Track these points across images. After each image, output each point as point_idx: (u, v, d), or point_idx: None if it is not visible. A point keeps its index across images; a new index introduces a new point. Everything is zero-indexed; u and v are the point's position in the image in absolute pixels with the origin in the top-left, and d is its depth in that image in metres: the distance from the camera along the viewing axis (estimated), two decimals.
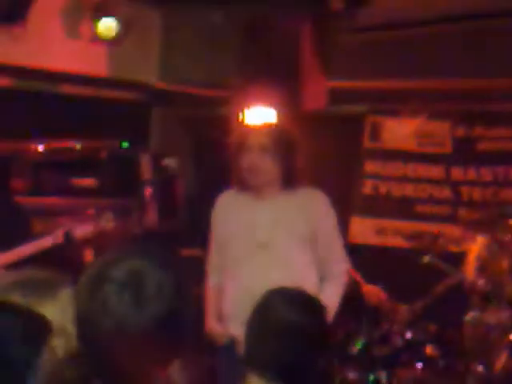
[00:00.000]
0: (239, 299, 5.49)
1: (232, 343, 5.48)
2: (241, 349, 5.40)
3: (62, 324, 2.99)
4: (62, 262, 4.47)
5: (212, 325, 5.58)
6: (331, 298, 5.44)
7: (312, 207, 5.52)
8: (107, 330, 2.60)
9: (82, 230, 6.19)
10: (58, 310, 3.02)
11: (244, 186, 5.56)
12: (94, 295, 2.63)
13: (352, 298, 6.36)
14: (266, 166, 5.45)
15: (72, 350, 2.97)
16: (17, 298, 2.97)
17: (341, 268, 5.61)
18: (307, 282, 5.38)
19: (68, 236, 6.01)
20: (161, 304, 2.61)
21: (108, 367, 2.65)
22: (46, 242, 5.95)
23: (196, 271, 5.87)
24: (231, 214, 5.64)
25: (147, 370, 2.67)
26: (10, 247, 5.84)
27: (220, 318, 5.62)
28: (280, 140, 5.50)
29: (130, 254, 2.71)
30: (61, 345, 2.94)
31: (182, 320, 2.70)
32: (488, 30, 8.43)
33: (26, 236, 6.06)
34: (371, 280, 7.36)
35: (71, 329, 3.00)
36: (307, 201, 5.53)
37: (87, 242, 7.01)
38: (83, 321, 2.68)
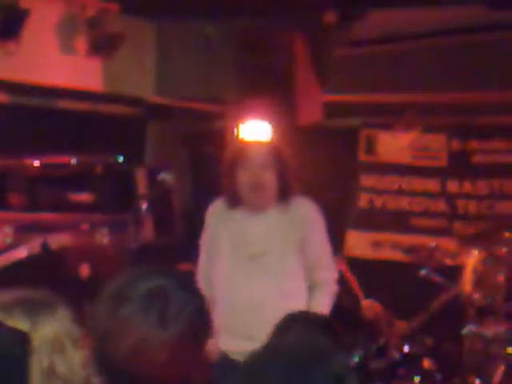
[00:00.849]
0: (231, 313, 5.52)
1: (224, 358, 5.50)
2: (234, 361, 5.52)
3: (62, 341, 3.08)
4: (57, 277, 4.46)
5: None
6: (321, 307, 5.41)
7: (302, 215, 5.51)
8: (129, 347, 2.61)
9: (58, 240, 6.17)
10: (58, 328, 3.09)
11: (237, 201, 5.52)
12: (115, 314, 2.63)
13: (349, 311, 6.35)
14: (270, 182, 5.44)
15: (72, 367, 3.05)
16: (19, 318, 3.03)
17: (329, 276, 5.56)
18: (298, 291, 5.46)
19: (45, 246, 5.98)
20: (184, 322, 2.62)
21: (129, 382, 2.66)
22: (22, 252, 5.94)
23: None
24: (223, 225, 5.62)
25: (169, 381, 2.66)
26: None
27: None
28: (278, 157, 5.49)
29: (148, 274, 2.72)
30: (61, 361, 3.03)
31: (201, 336, 2.71)
32: (480, 44, 8.46)
33: None
34: (368, 293, 7.34)
35: (70, 346, 3.09)
36: (297, 210, 5.51)
37: (82, 258, 7.04)
38: (103, 339, 2.68)
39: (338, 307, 5.74)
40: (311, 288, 5.50)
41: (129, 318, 2.63)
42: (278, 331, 3.86)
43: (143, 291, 2.66)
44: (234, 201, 5.53)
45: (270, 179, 5.42)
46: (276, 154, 5.49)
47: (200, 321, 2.72)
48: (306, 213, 5.54)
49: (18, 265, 5.79)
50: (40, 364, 3.02)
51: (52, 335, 3.08)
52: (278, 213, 5.49)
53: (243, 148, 5.73)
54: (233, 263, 5.54)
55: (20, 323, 3.02)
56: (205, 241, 5.70)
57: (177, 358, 2.65)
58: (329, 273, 5.57)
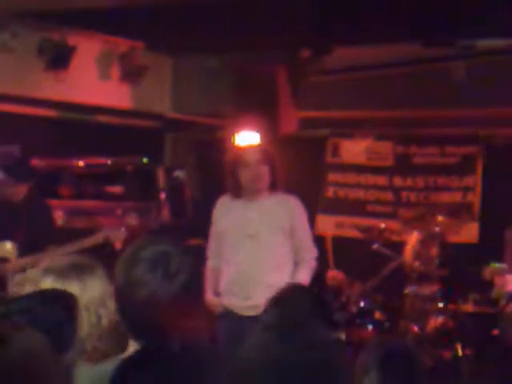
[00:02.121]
0: (234, 279, 5.49)
1: (226, 312, 5.49)
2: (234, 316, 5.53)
3: (104, 298, 3.06)
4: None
5: (210, 298, 5.52)
6: (303, 278, 5.41)
7: (290, 208, 5.50)
8: (142, 299, 2.58)
9: (116, 236, 6.14)
10: (100, 288, 3.08)
11: (239, 193, 5.53)
12: (130, 272, 2.61)
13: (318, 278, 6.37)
14: (265, 174, 5.45)
15: (112, 319, 3.02)
16: (72, 281, 3.04)
17: (310, 255, 5.55)
18: (286, 265, 5.45)
19: (106, 239, 5.97)
20: (184, 276, 2.60)
21: (143, 327, 2.64)
22: (89, 242, 5.88)
23: (199, 256, 5.88)
24: (227, 213, 5.61)
25: (176, 324, 2.63)
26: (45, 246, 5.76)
27: (216, 293, 5.62)
28: (269, 157, 5.50)
29: (153, 242, 2.68)
30: (105, 315, 3.01)
31: (197, 287, 2.73)
32: (418, 72, 8.47)
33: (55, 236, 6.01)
34: (333, 262, 7.37)
35: (109, 302, 3.04)
36: (286, 203, 5.51)
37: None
38: (121, 293, 2.67)
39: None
40: (297, 263, 5.49)
41: (140, 276, 2.60)
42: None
43: (150, 255, 2.62)
44: (237, 193, 5.54)
45: (265, 172, 5.43)
46: (267, 154, 5.51)
47: (196, 276, 2.72)
48: (294, 206, 5.55)
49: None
50: (89, 319, 2.98)
51: (97, 294, 3.05)
52: (270, 203, 5.49)
53: (242, 152, 5.78)
54: (235, 241, 5.51)
55: (73, 286, 3.00)
56: (214, 226, 5.68)
57: (181, 305, 2.62)
58: (310, 253, 5.57)
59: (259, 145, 6.49)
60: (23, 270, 5.52)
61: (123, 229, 6.27)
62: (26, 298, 2.82)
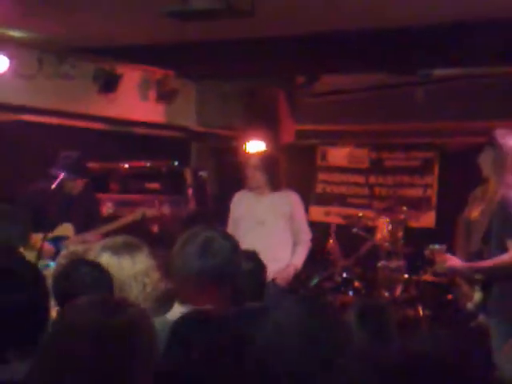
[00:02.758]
0: None
1: None
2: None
3: (148, 270, 3.08)
4: (140, 232, 4.48)
5: None
6: (301, 256, 5.51)
7: (290, 201, 5.56)
8: (187, 271, 2.64)
9: (150, 212, 6.20)
10: (146, 262, 3.11)
11: (250, 189, 5.62)
12: (181, 252, 2.65)
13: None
14: (257, 177, 5.53)
15: (155, 285, 3.05)
16: (125, 256, 3.06)
17: (306, 237, 5.59)
18: (287, 246, 5.50)
19: (143, 215, 6.02)
20: (222, 256, 2.63)
21: (190, 294, 2.66)
22: (130, 218, 5.96)
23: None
24: (242, 204, 5.66)
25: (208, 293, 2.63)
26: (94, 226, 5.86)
27: None
28: (265, 161, 5.56)
29: (203, 229, 2.70)
30: (148, 282, 3.05)
31: (234, 271, 2.71)
32: (390, 95, 8.44)
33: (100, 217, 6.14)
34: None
35: (152, 272, 3.07)
36: (287, 197, 5.56)
37: (154, 220, 7.03)
38: (174, 264, 2.69)
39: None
40: (295, 244, 5.53)
41: (188, 253, 2.62)
42: None
43: (201, 238, 2.63)
44: (248, 188, 5.63)
45: (258, 175, 5.50)
46: (264, 159, 5.59)
47: (233, 256, 2.71)
48: (293, 199, 5.60)
49: (125, 226, 5.79)
50: (136, 287, 2.99)
51: (144, 267, 3.07)
52: (274, 196, 5.54)
53: (247, 157, 5.85)
54: (247, 226, 5.55)
55: (125, 260, 3.03)
56: (231, 214, 5.73)
57: (209, 280, 2.62)
58: (306, 235, 5.61)
59: (263, 152, 6.46)
60: (79, 243, 5.61)
61: (154, 209, 6.35)
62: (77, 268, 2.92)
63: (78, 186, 5.88)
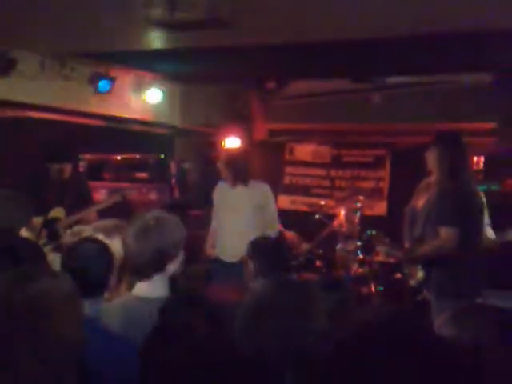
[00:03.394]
0: (221, 238, 5.57)
1: (217, 259, 5.55)
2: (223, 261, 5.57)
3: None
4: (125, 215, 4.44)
5: (209, 249, 5.62)
6: None
7: (262, 191, 5.56)
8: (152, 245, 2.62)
9: (129, 193, 6.10)
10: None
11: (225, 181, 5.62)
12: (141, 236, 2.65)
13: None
14: (224, 171, 5.53)
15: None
16: (116, 237, 2.99)
17: (276, 224, 5.65)
18: (257, 231, 5.34)
19: (123, 196, 5.92)
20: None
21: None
22: (112, 199, 5.84)
23: (198, 222, 5.88)
24: (219, 194, 5.66)
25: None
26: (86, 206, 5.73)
27: (212, 246, 5.66)
28: (230, 158, 5.56)
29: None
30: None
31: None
32: (349, 99, 8.48)
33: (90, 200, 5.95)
34: (289, 228, 7.35)
35: None
36: (260, 187, 5.57)
37: (141, 205, 6.96)
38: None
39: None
40: (267, 229, 5.46)
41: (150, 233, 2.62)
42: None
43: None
44: (225, 181, 5.62)
45: (224, 170, 5.52)
46: (229, 156, 5.59)
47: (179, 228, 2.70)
48: (265, 190, 5.60)
49: (111, 207, 5.72)
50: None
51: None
52: (248, 187, 5.53)
53: (219, 154, 5.84)
54: (224, 213, 5.57)
55: (116, 241, 2.95)
56: (214, 201, 5.73)
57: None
58: (276, 221, 5.66)
59: (230, 150, 6.34)
60: (70, 224, 5.54)
61: (134, 191, 6.27)
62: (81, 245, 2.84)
63: (66, 170, 5.76)
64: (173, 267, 2.69)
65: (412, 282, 4.32)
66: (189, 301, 2.05)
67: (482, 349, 1.43)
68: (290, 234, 7.51)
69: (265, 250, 3.68)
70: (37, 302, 1.58)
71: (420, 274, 4.25)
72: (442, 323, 1.64)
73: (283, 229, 7.26)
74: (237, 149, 6.79)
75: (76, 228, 3.71)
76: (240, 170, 5.50)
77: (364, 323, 1.37)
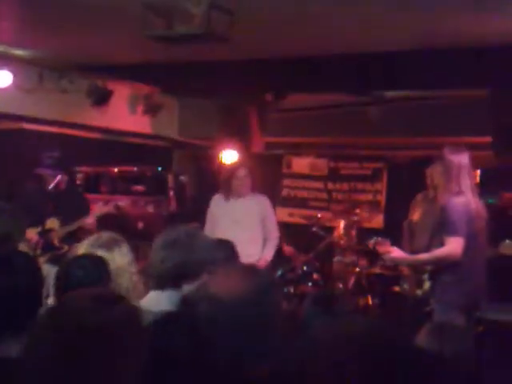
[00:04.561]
0: None
1: None
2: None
3: (131, 260, 2.99)
4: (122, 229, 4.42)
5: None
6: (271, 251, 5.60)
7: (262, 204, 5.63)
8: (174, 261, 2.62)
9: (122, 204, 6.08)
10: (128, 252, 3.00)
11: (229, 194, 5.62)
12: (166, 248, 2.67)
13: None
14: (248, 184, 5.58)
15: (132, 284, 2.89)
16: (117, 252, 2.95)
17: (275, 235, 5.69)
18: (258, 243, 5.57)
19: (116, 207, 5.90)
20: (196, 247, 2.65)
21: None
22: (105, 209, 5.79)
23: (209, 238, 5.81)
24: (219, 206, 5.67)
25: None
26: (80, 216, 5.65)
27: None
28: (251, 171, 5.64)
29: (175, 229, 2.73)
30: (134, 271, 2.92)
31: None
32: (347, 112, 8.51)
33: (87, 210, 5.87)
34: (286, 240, 7.33)
35: (131, 269, 2.94)
36: (260, 201, 5.64)
37: (139, 218, 6.94)
38: (155, 259, 2.68)
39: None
40: (265, 240, 5.62)
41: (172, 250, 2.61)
42: None
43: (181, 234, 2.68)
44: (227, 195, 5.63)
45: (248, 183, 5.56)
46: (250, 170, 5.64)
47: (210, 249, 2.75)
48: (267, 203, 5.68)
49: (103, 216, 5.66)
50: (127, 278, 2.88)
51: (130, 259, 2.96)
52: (249, 200, 5.59)
53: (234, 168, 5.83)
54: (224, 225, 5.57)
55: (116, 254, 2.92)
56: (208, 216, 5.74)
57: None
58: (275, 233, 5.70)
59: (244, 163, 6.33)
60: (64, 234, 5.52)
61: (126, 200, 6.25)
62: (80, 259, 2.85)
63: (62, 182, 5.76)
64: (190, 288, 2.57)
65: (418, 292, 4.36)
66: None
67: (457, 361, 1.44)
68: (288, 248, 7.50)
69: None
70: (111, 328, 1.49)
71: (427, 284, 4.29)
72: (422, 336, 1.65)
73: (283, 242, 7.26)
74: (245, 160, 6.82)
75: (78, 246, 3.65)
76: (255, 181, 5.62)
77: (336, 335, 1.36)
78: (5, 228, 3.65)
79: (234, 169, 5.75)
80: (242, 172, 5.60)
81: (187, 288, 2.58)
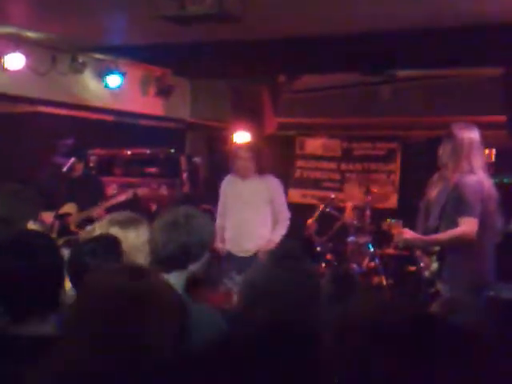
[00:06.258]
0: (233, 232, 5.54)
1: (228, 254, 5.52)
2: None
3: (143, 244, 2.93)
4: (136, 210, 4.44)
5: (218, 244, 5.57)
6: (280, 233, 5.47)
7: (272, 184, 5.53)
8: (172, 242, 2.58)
9: (141, 191, 6.12)
10: (146, 232, 2.95)
11: (237, 175, 5.59)
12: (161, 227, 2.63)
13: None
14: (250, 166, 5.48)
15: (146, 265, 2.82)
16: (131, 230, 2.92)
17: (285, 217, 5.57)
18: (267, 224, 5.48)
19: (134, 194, 5.94)
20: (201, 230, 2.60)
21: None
22: (124, 196, 5.83)
23: (209, 215, 5.85)
24: (230, 187, 5.62)
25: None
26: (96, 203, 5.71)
27: (222, 241, 5.63)
28: (255, 152, 5.51)
29: (178, 208, 2.67)
30: (141, 257, 2.88)
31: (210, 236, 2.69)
32: (360, 93, 8.46)
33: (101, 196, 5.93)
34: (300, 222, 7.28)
35: (146, 248, 2.89)
36: (269, 181, 5.53)
37: (153, 200, 6.96)
38: (156, 241, 2.65)
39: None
40: (276, 222, 5.52)
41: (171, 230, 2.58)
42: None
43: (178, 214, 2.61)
44: (235, 174, 5.58)
45: (250, 165, 5.46)
46: (254, 151, 5.51)
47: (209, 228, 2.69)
48: (275, 184, 5.57)
49: (121, 203, 5.71)
50: (141, 257, 2.84)
51: (146, 239, 2.88)
52: (258, 181, 5.50)
53: (237, 148, 5.77)
54: (235, 206, 5.54)
55: (130, 233, 2.91)
56: (221, 197, 5.70)
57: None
58: (285, 215, 5.58)
59: (251, 143, 6.29)
60: (81, 220, 5.56)
61: (145, 188, 6.29)
62: (91, 242, 2.84)
63: (78, 168, 5.81)
64: (195, 267, 2.60)
65: (426, 273, 4.31)
66: None
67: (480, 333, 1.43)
68: (312, 224, 7.42)
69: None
70: (148, 298, 1.51)
71: (434, 265, 4.23)
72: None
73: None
74: (254, 141, 6.76)
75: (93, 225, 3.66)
76: (261, 162, 5.50)
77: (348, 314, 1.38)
78: (17, 209, 3.65)
79: (237, 149, 5.71)
80: (244, 152, 5.52)
81: (193, 267, 2.60)
